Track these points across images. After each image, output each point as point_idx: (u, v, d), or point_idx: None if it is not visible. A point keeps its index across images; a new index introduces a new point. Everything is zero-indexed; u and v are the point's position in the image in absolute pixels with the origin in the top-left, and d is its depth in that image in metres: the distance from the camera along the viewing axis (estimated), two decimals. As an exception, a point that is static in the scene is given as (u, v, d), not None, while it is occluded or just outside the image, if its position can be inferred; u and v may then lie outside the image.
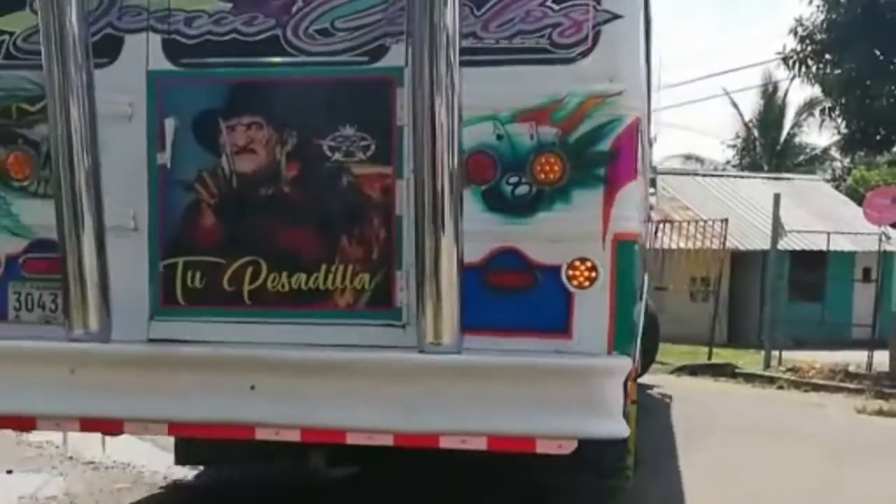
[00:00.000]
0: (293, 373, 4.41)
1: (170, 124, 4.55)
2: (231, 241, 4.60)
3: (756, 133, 35.67)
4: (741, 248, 21.16)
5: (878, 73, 15.36)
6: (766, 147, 35.29)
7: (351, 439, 4.47)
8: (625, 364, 4.36)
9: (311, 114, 4.53)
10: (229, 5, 4.56)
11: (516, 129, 4.38)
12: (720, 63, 67.50)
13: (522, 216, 4.41)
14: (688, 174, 26.97)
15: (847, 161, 31.94)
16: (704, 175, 27.09)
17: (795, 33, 15.84)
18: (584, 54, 4.34)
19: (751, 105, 36.84)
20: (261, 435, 4.49)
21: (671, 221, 19.55)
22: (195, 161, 4.59)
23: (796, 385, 14.30)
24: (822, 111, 18.22)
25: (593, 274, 4.38)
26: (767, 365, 15.43)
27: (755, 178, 26.91)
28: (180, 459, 6.13)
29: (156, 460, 7.57)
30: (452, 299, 4.17)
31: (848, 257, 20.44)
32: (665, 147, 39.52)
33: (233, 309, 4.60)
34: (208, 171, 4.58)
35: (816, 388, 14.04)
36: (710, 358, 16.16)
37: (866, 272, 20.11)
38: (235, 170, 4.57)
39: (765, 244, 17.54)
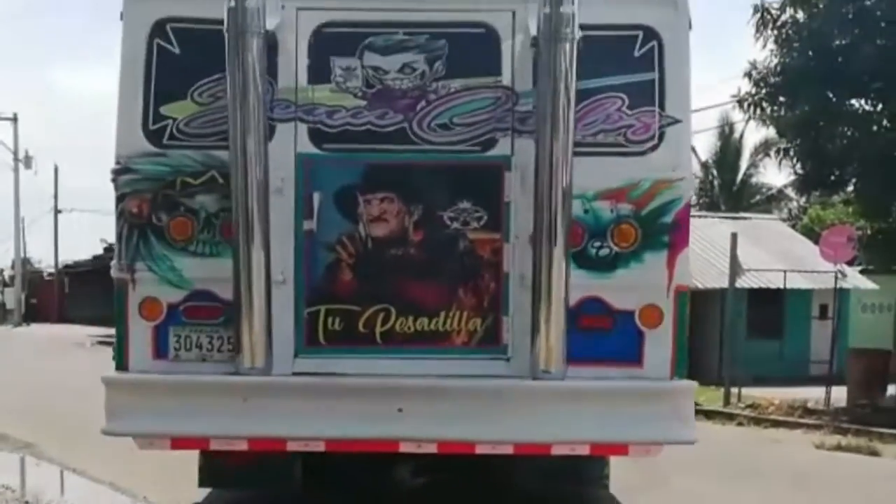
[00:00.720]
0: (434, 398, 5.42)
1: (316, 197, 5.53)
2: (365, 292, 5.58)
3: (713, 173, 36.15)
4: (700, 286, 21.33)
5: (830, 116, 15.66)
6: (724, 187, 35.77)
7: (479, 450, 5.50)
8: (693, 386, 5.64)
9: (434, 191, 5.60)
10: (364, 102, 5.57)
11: (600, 205, 5.55)
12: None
13: (605, 272, 5.56)
14: (647, 214, 27.23)
15: (803, 200, 32.43)
16: (663, 214, 27.33)
17: (750, 76, 16.12)
18: (653, 149, 5.58)
19: (707, 145, 37.39)
20: (405, 448, 5.48)
21: (631, 260, 19.67)
22: (336, 227, 5.57)
23: (756, 421, 14.44)
24: (778, 152, 18.50)
25: (659, 317, 5.56)
26: (727, 401, 15.58)
27: (713, 217, 27.23)
28: (205, 482, 6.57)
29: (113, 503, 7.50)
30: (560, 337, 5.22)
31: (805, 295, 20.70)
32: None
33: (366, 347, 5.56)
34: (347, 235, 5.57)
35: (776, 424, 14.18)
36: (670, 395, 16.25)
37: (823, 309, 20.37)
38: (370, 234, 5.57)
39: (723, 282, 17.71)
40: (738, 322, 17.12)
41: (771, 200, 36.07)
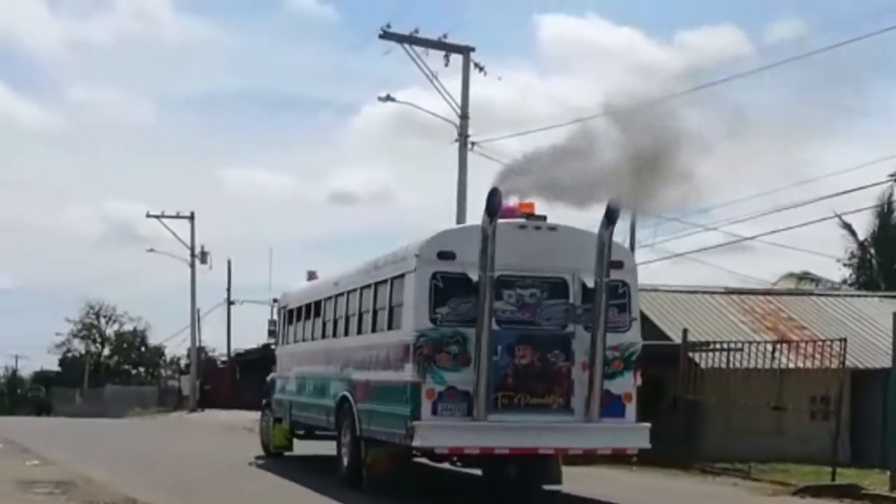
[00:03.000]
0: (551, 430, 12.49)
1: (500, 348, 12.40)
2: (516, 386, 12.48)
3: (871, 252, 35.60)
4: (860, 366, 21.21)
5: None
6: (883, 265, 35.16)
7: (570, 451, 13.38)
8: (647, 426, 12.89)
9: (544, 345, 12.65)
10: (516, 308, 12.66)
11: (609, 353, 12.61)
12: (830, 185, 66.32)
13: (611, 379, 12.67)
14: (803, 294, 27.15)
15: (967, 278, 31.57)
16: (820, 295, 27.12)
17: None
18: (627, 329, 13.09)
19: (865, 224, 36.84)
20: (542, 451, 12.80)
21: (788, 341, 19.81)
22: (505, 359, 12.46)
23: (924, 505, 14.16)
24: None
25: (631, 398, 12.91)
26: (893, 486, 15.29)
27: (873, 296, 26.91)
28: (370, 486, 13.65)
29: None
30: (598, 404, 12.50)
31: (972, 375, 20.21)
32: (780, 266, 39.61)
33: (516, 410, 12.45)
34: (510, 364, 12.49)
35: (945, 507, 13.89)
36: (833, 478, 16.09)
37: None
38: (518, 362, 12.53)
39: (885, 363, 17.62)
40: (902, 403, 16.91)
41: (933, 278, 35.17)
